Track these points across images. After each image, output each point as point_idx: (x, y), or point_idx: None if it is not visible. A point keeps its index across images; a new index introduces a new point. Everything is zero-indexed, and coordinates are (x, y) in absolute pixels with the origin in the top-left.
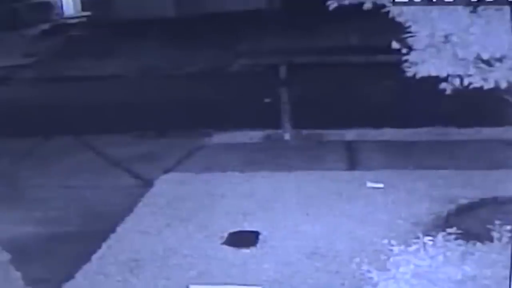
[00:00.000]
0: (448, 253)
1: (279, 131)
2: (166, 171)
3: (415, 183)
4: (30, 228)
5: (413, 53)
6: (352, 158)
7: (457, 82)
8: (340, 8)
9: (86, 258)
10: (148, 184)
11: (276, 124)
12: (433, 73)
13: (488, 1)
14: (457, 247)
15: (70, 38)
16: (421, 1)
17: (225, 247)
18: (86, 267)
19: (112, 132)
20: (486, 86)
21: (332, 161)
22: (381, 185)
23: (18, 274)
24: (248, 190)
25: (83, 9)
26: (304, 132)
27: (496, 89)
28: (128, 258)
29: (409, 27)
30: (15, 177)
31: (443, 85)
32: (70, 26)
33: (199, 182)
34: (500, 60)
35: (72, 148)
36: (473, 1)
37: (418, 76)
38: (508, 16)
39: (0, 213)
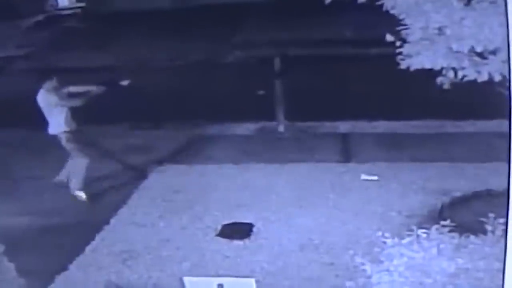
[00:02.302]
0: (442, 246)
1: (273, 123)
2: (160, 163)
3: (409, 175)
4: (24, 220)
5: (407, 46)
6: (346, 150)
7: (451, 74)
8: (335, 1)
9: (80, 250)
10: (142, 175)
11: (270, 116)
12: (427, 66)
13: None
14: (451, 239)
15: (64, 29)
16: None
17: (219, 239)
18: (80, 259)
19: (106, 123)
20: (480, 79)
21: (326, 153)
22: (375, 178)
23: (11, 265)
24: (242, 182)
25: (77, 0)
26: (298, 124)
27: (490, 81)
28: (121, 250)
29: (403, 19)
30: (9, 168)
31: (437, 78)
32: (64, 17)
33: (193, 174)
34: (493, 53)
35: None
36: None
37: (412, 68)
38: (501, 9)
39: None
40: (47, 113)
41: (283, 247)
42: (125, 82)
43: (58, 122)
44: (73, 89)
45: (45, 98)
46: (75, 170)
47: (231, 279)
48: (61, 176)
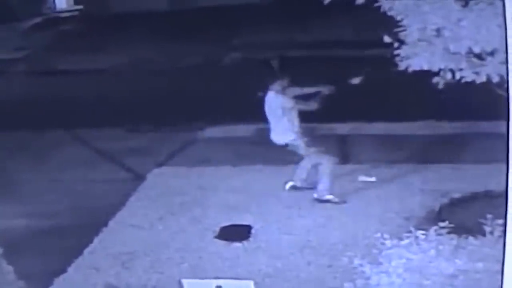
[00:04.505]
0: (440, 247)
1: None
2: (159, 165)
3: (407, 177)
4: (22, 222)
5: (404, 47)
6: (345, 151)
7: (449, 76)
8: (333, 2)
9: (78, 252)
10: (140, 177)
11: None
12: (425, 67)
13: None
14: (450, 241)
15: (62, 32)
16: None
17: (218, 241)
18: (78, 261)
19: (104, 125)
20: (478, 80)
21: None
22: (373, 179)
23: (10, 268)
24: (241, 184)
25: (75, 3)
26: None
27: (488, 83)
28: (120, 252)
29: (401, 20)
30: (6, 171)
31: (435, 79)
32: (62, 20)
33: (191, 175)
34: (491, 54)
35: (64, 142)
36: None
37: (410, 70)
38: (499, 10)
39: None
40: (276, 118)
41: (282, 249)
42: (356, 81)
43: (287, 128)
44: (300, 90)
45: (278, 102)
46: (322, 173)
47: (230, 281)
48: (299, 180)
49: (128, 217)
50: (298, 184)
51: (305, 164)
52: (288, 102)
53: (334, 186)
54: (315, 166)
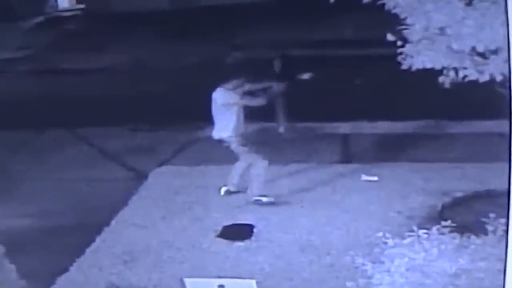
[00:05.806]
0: (443, 246)
1: (274, 124)
2: (161, 164)
3: (409, 176)
4: (25, 221)
5: (408, 46)
6: (347, 151)
7: (452, 74)
8: (337, 0)
9: (80, 251)
10: (142, 177)
11: (270, 117)
12: (428, 66)
13: None
14: (452, 240)
15: (64, 31)
16: None
17: (220, 240)
18: (80, 260)
19: (106, 125)
20: (481, 79)
21: (326, 154)
22: (375, 178)
23: (12, 266)
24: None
25: (77, 2)
26: (299, 125)
27: (491, 81)
28: (122, 251)
29: (405, 19)
30: (10, 170)
31: (440, 78)
32: (64, 19)
33: (193, 175)
34: (495, 52)
35: (66, 141)
36: None
37: (413, 68)
38: (502, 9)
39: None
40: (218, 113)
41: (284, 248)
42: (306, 76)
43: (227, 124)
44: (251, 87)
45: (224, 97)
46: (255, 174)
47: (232, 280)
48: (232, 184)
49: (130, 217)
50: (232, 188)
51: (238, 167)
52: (232, 98)
53: (336, 185)
54: (248, 168)
